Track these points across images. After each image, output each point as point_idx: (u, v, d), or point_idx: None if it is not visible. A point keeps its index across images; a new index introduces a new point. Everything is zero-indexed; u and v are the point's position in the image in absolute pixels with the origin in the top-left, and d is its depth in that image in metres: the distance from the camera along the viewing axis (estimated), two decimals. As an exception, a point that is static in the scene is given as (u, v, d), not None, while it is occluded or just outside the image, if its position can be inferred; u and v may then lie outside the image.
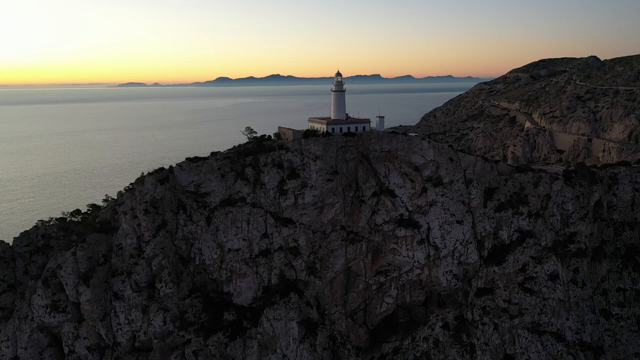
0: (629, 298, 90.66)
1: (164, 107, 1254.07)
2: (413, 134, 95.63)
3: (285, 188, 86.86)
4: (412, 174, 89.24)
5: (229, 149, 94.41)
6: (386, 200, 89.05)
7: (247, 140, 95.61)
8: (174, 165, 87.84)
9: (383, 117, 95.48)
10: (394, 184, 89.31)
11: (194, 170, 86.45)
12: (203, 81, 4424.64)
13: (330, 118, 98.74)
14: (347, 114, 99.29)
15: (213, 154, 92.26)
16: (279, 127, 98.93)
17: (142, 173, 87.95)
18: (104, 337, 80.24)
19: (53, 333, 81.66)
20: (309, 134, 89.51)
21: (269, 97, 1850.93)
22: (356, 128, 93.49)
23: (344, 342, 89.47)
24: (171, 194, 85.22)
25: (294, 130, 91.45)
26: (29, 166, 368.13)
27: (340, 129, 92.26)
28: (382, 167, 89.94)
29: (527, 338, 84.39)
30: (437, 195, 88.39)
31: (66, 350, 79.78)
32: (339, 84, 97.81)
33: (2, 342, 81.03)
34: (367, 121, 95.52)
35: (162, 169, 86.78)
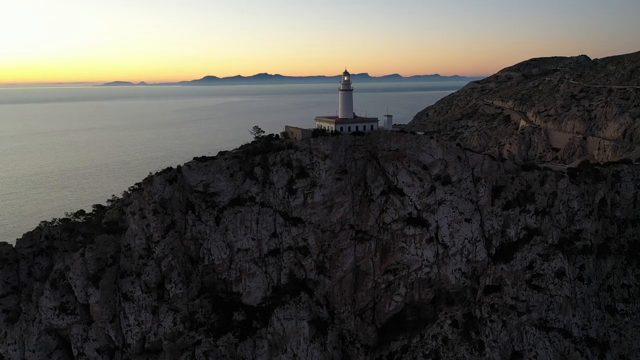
0: (634, 294, 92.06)
1: (151, 106, 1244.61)
2: (421, 133, 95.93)
3: (294, 187, 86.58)
4: (421, 173, 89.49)
5: (237, 148, 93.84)
6: (395, 199, 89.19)
7: (254, 139, 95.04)
8: (181, 165, 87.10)
9: (391, 116, 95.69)
10: (403, 182, 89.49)
11: (203, 169, 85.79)
12: (190, 80, 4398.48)
13: (337, 117, 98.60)
14: (354, 113, 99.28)
15: (221, 153, 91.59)
16: (286, 126, 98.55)
17: (150, 173, 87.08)
18: (113, 338, 79.25)
19: (61, 335, 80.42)
20: (318, 133, 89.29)
21: (257, 96, 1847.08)
22: (364, 127, 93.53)
23: (353, 341, 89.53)
24: (180, 194, 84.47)
25: (302, 129, 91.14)
26: (14, 167, 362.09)
27: (349, 128, 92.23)
28: (391, 166, 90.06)
29: (534, 335, 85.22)
30: (445, 193, 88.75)
31: (75, 353, 78.60)
32: (346, 83, 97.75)
33: (9, 345, 79.64)
34: (375, 120, 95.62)
35: (170, 168, 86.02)
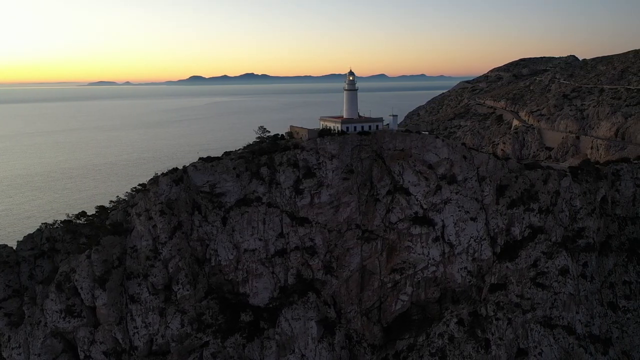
0: (635, 291, 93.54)
1: (136, 106, 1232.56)
2: (426, 132, 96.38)
3: (301, 187, 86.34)
4: (426, 172, 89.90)
5: (242, 148, 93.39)
6: (401, 198, 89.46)
7: (260, 139, 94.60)
8: (187, 165, 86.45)
9: (396, 115, 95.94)
10: (409, 182, 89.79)
11: (209, 170, 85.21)
12: (176, 80, 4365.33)
13: (342, 117, 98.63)
14: (358, 113, 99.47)
15: (227, 153, 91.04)
16: (291, 126, 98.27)
17: (156, 173, 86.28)
18: (120, 341, 78.30)
19: (67, 338, 79.26)
20: (324, 132, 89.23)
21: (244, 95, 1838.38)
22: (369, 127, 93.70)
23: (359, 341, 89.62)
24: (186, 195, 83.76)
25: (308, 129, 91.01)
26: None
27: (355, 127, 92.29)
28: (397, 166, 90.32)
29: (539, 332, 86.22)
30: (451, 192, 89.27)
31: (82, 356, 77.53)
32: (351, 83, 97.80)
33: (13, 349, 78.36)
34: (380, 120, 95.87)
35: (175, 169, 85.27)
